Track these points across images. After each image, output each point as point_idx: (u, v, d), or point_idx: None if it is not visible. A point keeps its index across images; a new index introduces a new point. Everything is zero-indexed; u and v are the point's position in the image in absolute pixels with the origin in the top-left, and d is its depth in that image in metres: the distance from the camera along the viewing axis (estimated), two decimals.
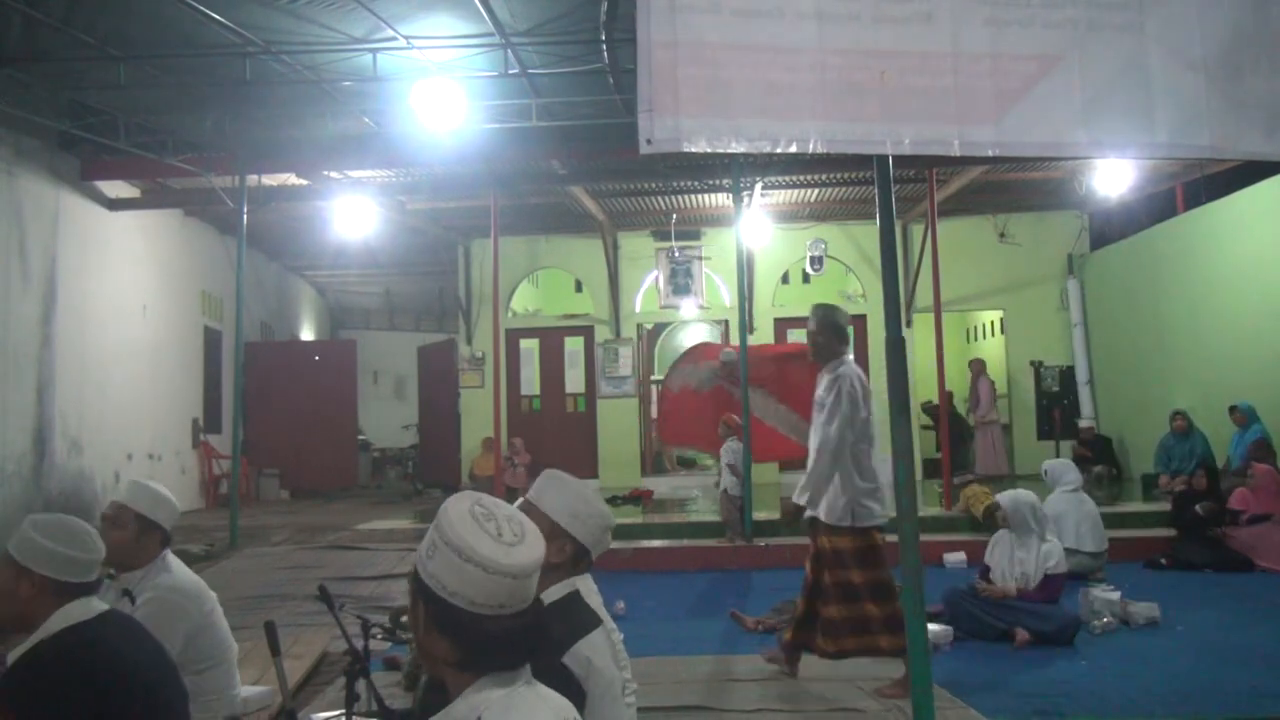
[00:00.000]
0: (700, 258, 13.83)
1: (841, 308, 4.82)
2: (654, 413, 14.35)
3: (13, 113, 8.43)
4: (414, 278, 17.51)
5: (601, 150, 9.88)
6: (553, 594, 2.15)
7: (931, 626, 5.29)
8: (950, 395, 11.75)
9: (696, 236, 13.84)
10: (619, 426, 14.03)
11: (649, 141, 2.58)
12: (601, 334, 14.19)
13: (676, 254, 13.61)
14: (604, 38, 7.28)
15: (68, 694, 2.20)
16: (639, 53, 2.60)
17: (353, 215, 11.35)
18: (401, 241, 14.17)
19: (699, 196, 12.19)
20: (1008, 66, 2.75)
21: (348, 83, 8.25)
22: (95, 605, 2.41)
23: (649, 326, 15.14)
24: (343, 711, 2.85)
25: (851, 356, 4.73)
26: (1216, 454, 9.55)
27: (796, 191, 12.28)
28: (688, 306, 14.03)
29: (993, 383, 13.07)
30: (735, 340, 11.44)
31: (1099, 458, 11.61)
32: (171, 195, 11.73)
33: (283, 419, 14.29)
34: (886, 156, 3.12)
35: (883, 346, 3.25)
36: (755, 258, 13.15)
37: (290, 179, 11.18)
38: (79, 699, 2.19)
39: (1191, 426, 9.82)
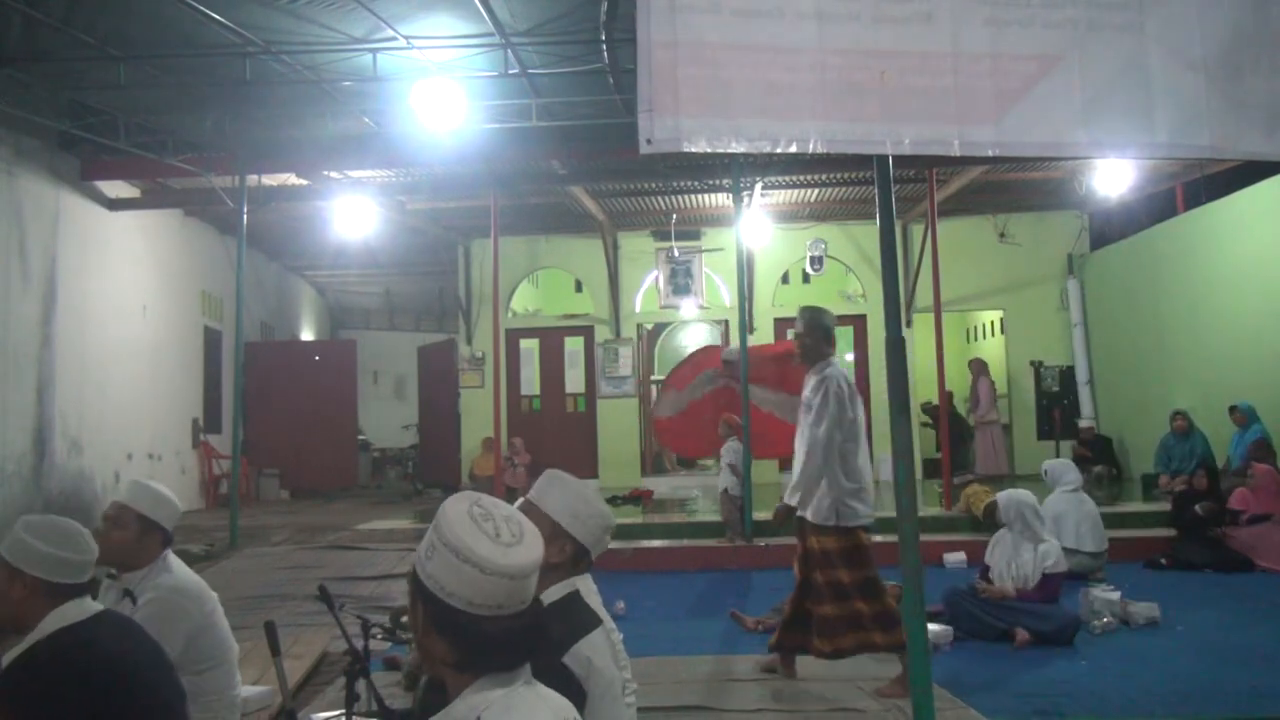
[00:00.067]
0: (701, 252, 13.81)
1: (828, 310, 4.86)
2: (654, 412, 14.35)
3: (13, 113, 8.43)
4: (414, 278, 17.51)
5: (601, 150, 9.88)
6: (553, 594, 2.16)
7: (931, 626, 5.29)
8: (950, 395, 11.76)
9: (696, 236, 13.84)
10: (619, 426, 14.03)
11: (649, 141, 2.58)
12: (601, 334, 14.19)
13: (676, 254, 13.62)
14: (604, 38, 7.28)
15: (64, 694, 2.20)
16: (639, 53, 2.60)
17: (353, 215, 11.35)
18: (401, 241, 14.16)
19: (699, 196, 12.19)
20: (1008, 66, 2.75)
21: (348, 83, 8.25)
22: (90, 606, 2.41)
23: (649, 326, 15.14)
24: (343, 711, 2.85)
25: (837, 358, 4.76)
26: (1216, 454, 9.55)
27: (796, 191, 12.28)
28: (688, 306, 14.03)
29: (993, 383, 13.07)
30: (735, 340, 11.47)
31: (1099, 458, 11.61)
32: (171, 195, 11.73)
33: (283, 419, 14.28)
34: (886, 156, 3.12)
35: (883, 346, 3.25)
36: (755, 258, 13.15)
37: (290, 179, 11.18)
38: (76, 699, 2.19)
39: (1192, 426, 9.82)
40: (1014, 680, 4.91)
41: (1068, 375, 13.31)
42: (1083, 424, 12.40)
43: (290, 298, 17.49)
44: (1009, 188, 12.14)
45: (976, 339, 16.06)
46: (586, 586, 2.26)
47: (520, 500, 2.26)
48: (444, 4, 6.86)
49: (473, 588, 1.41)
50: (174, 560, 3.27)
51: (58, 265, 9.76)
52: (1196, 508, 8.16)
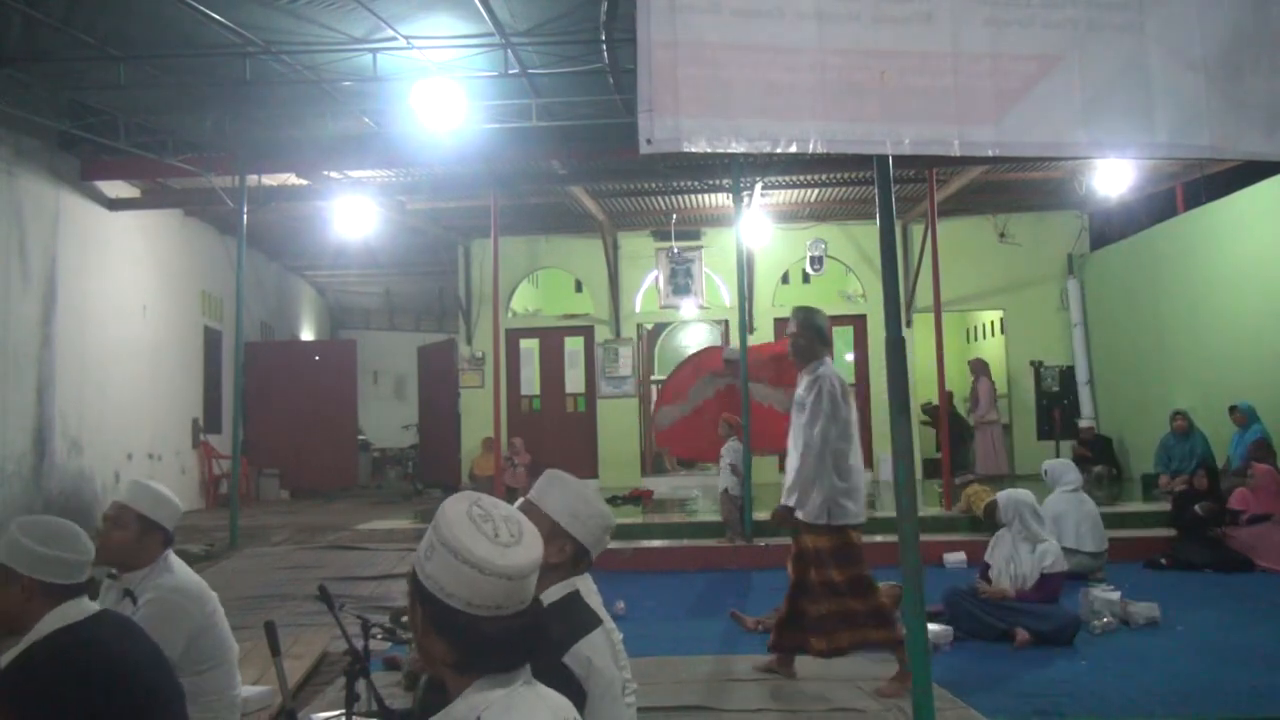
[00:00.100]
0: (701, 249, 13.81)
1: (821, 310, 4.88)
2: (654, 412, 14.35)
3: (13, 113, 8.43)
4: (414, 278, 17.51)
5: (601, 150, 9.88)
6: (553, 594, 2.16)
7: (931, 626, 5.29)
8: (950, 395, 11.76)
9: (696, 236, 13.84)
10: (619, 426, 14.03)
11: (649, 141, 2.58)
12: (601, 334, 14.19)
13: (676, 254, 13.62)
14: (604, 38, 7.28)
15: (63, 694, 2.20)
16: (639, 53, 2.60)
17: (353, 215, 11.35)
18: (401, 241, 14.17)
19: (699, 196, 12.19)
20: (1008, 66, 2.75)
21: (348, 83, 8.25)
22: (88, 606, 2.40)
23: (649, 326, 15.15)
24: (343, 711, 2.85)
25: (831, 358, 4.79)
26: (1216, 454, 9.55)
27: (796, 191, 12.28)
28: (688, 306, 14.03)
29: (993, 383, 13.07)
30: (735, 340, 11.47)
31: (1099, 458, 11.61)
32: (171, 195, 11.73)
33: (283, 419, 14.28)
34: (886, 156, 3.12)
35: (883, 346, 3.25)
36: (755, 258, 13.15)
37: (290, 179, 11.18)
38: (75, 698, 2.19)
39: (1192, 426, 9.82)
40: (1014, 680, 4.91)
41: (1068, 375, 13.31)
42: (1083, 424, 12.40)
43: (290, 298, 17.49)
44: (1009, 188, 12.14)
45: (976, 339, 16.06)
46: (586, 586, 2.26)
47: (520, 500, 2.26)
48: (444, 4, 6.86)
49: (471, 588, 1.41)
50: (175, 560, 3.26)
51: (58, 265, 9.76)
52: (1196, 508, 8.16)
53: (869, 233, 13.22)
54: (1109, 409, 12.74)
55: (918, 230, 13.22)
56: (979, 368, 13.04)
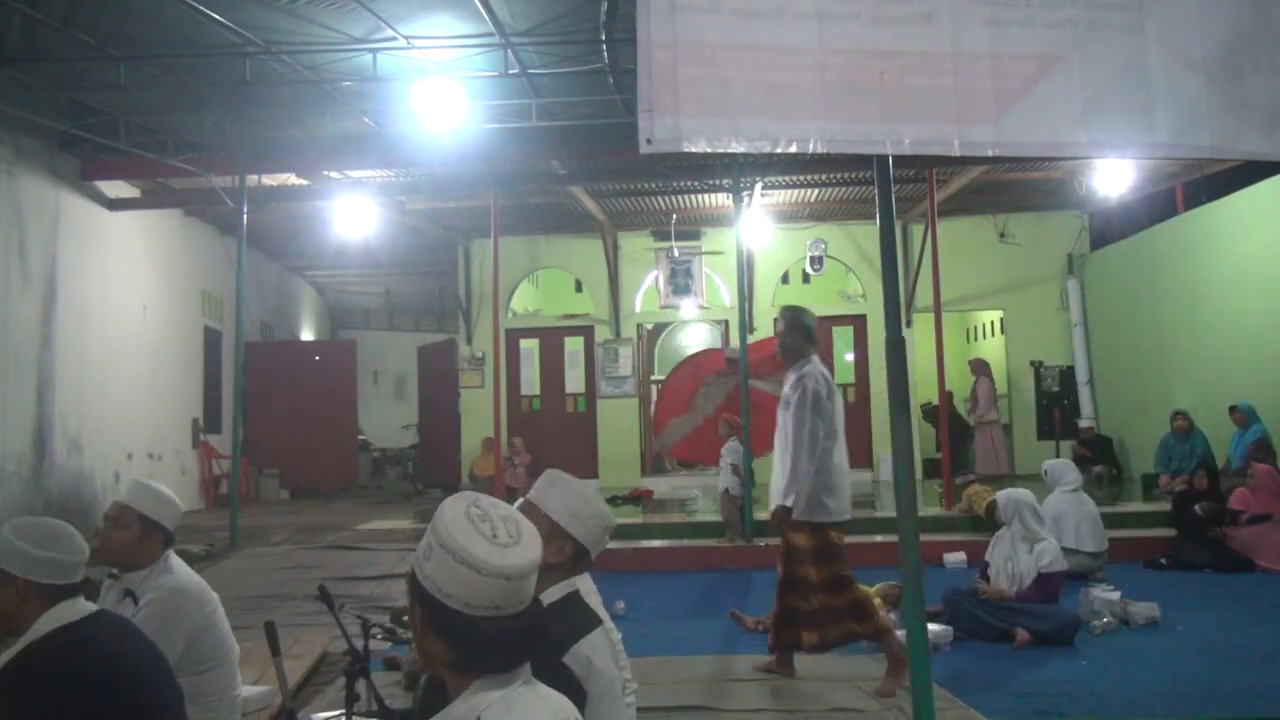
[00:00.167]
0: (700, 254, 13.82)
1: (809, 310, 4.95)
2: (661, 445, 14.30)
3: (13, 113, 8.43)
4: (414, 278, 17.51)
5: (601, 150, 9.88)
6: (553, 594, 2.16)
7: (931, 626, 5.29)
8: (950, 395, 11.76)
9: (696, 236, 13.84)
10: (619, 426, 14.03)
11: (649, 141, 2.58)
12: (601, 334, 14.19)
13: (676, 254, 13.62)
14: (604, 38, 7.28)
15: (61, 694, 2.20)
16: (639, 53, 2.60)
17: (353, 215, 11.35)
18: (401, 241, 14.16)
19: (699, 196, 12.19)
20: (1008, 66, 2.75)
21: (348, 83, 8.25)
22: (85, 606, 2.40)
23: (649, 326, 15.14)
24: (343, 711, 2.85)
25: (817, 356, 4.84)
26: (1216, 454, 9.55)
27: (796, 191, 12.28)
28: (688, 306, 14.03)
29: (993, 383, 13.07)
30: (735, 340, 11.48)
31: (1099, 458, 11.61)
32: (171, 195, 11.73)
33: (283, 419, 14.28)
34: (886, 156, 3.12)
35: (883, 346, 3.25)
36: (755, 258, 13.15)
37: (290, 179, 11.18)
38: (72, 698, 2.19)
39: (1192, 426, 9.82)
40: (1014, 680, 4.91)
41: (1068, 375, 13.31)
42: (1083, 424, 12.40)
43: (290, 298, 17.49)
44: (1009, 188, 12.14)
45: (976, 339, 16.06)
46: (586, 586, 2.26)
47: (520, 500, 2.26)
48: (444, 4, 6.86)
49: (469, 589, 1.41)
50: (175, 561, 3.26)
51: (58, 265, 9.76)
52: (1196, 508, 8.16)
53: (869, 233, 13.22)
54: (1109, 409, 12.74)
55: (918, 230, 13.22)
56: (979, 368, 13.05)
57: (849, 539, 8.43)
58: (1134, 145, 2.90)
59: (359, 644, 3.04)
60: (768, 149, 2.67)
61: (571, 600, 2.19)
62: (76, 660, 2.25)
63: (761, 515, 8.98)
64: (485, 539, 1.44)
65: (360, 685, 2.89)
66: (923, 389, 12.74)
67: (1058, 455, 11.50)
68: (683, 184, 11.52)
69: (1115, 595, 5.99)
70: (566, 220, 13.20)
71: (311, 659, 5.24)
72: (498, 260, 10.75)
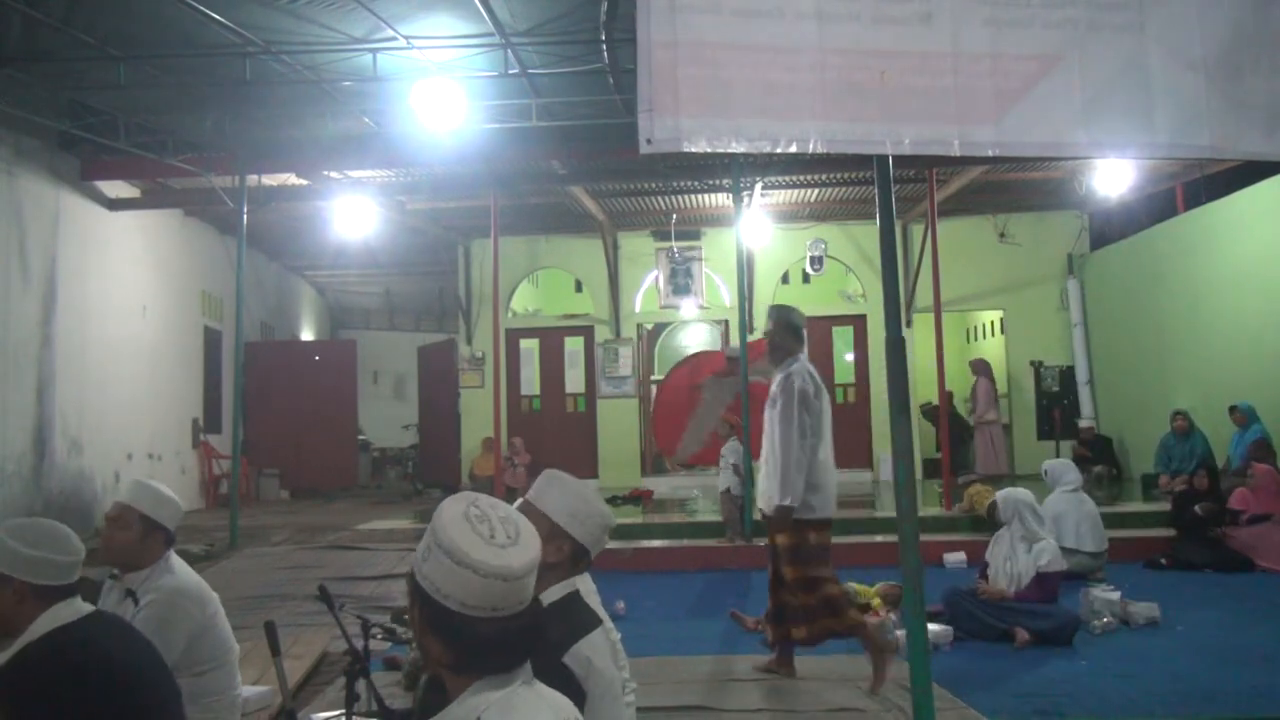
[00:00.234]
0: (700, 258, 13.83)
1: (797, 309, 4.99)
2: (680, 457, 14.28)
3: (13, 113, 8.43)
4: (414, 278, 17.51)
5: (601, 150, 9.88)
6: (553, 594, 2.16)
7: (931, 626, 5.30)
8: (950, 395, 11.76)
9: (696, 236, 13.84)
10: (619, 426, 14.03)
11: (649, 141, 2.58)
12: (601, 334, 14.19)
13: (676, 254, 13.62)
14: (604, 38, 7.28)
15: (60, 693, 2.19)
16: (639, 53, 2.60)
17: (353, 215, 11.35)
18: (401, 241, 14.16)
19: (699, 196, 12.19)
20: (1008, 66, 2.75)
21: (348, 83, 8.24)
22: (82, 606, 2.40)
23: (649, 326, 15.14)
24: (343, 711, 2.85)
25: (805, 355, 4.88)
26: (1216, 454, 9.54)
27: (796, 191, 12.28)
28: (688, 306, 14.03)
29: (993, 383, 13.07)
30: (735, 340, 11.49)
31: (1099, 458, 11.60)
32: (171, 195, 11.73)
33: (283, 419, 14.28)
34: (886, 156, 3.12)
35: (883, 346, 3.25)
36: (755, 258, 13.15)
37: (290, 179, 11.17)
38: (72, 698, 2.18)
39: (1192, 426, 9.81)
40: (1014, 680, 4.91)
41: (1068, 375, 13.31)
42: (1083, 424, 12.39)
43: (290, 298, 17.49)
44: (1009, 188, 12.14)
45: (976, 339, 16.06)
46: (586, 586, 2.26)
47: (519, 500, 2.26)
48: (444, 4, 6.86)
49: (467, 589, 1.41)
50: (176, 561, 3.26)
51: (58, 265, 9.76)
52: (1196, 508, 8.16)
53: (869, 233, 13.22)
54: (1109, 409, 12.73)
55: (918, 230, 13.22)
56: (980, 368, 13.05)
57: (848, 539, 8.55)
58: (1134, 145, 2.90)
59: (359, 644, 3.04)
60: (768, 149, 2.67)
61: (571, 600, 2.19)
62: (75, 660, 2.25)
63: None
64: (483, 540, 1.44)
65: (360, 685, 2.89)
66: (923, 389, 12.73)
67: (1058, 455, 11.49)
68: (683, 184, 11.52)
69: (1115, 595, 5.99)
70: (566, 220, 13.20)
71: (311, 659, 5.24)
72: (498, 260, 10.75)
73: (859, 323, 14.02)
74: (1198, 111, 2.81)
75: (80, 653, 2.27)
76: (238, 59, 7.67)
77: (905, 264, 13.29)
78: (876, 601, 6.22)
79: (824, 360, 14.03)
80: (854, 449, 13.44)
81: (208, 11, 6.77)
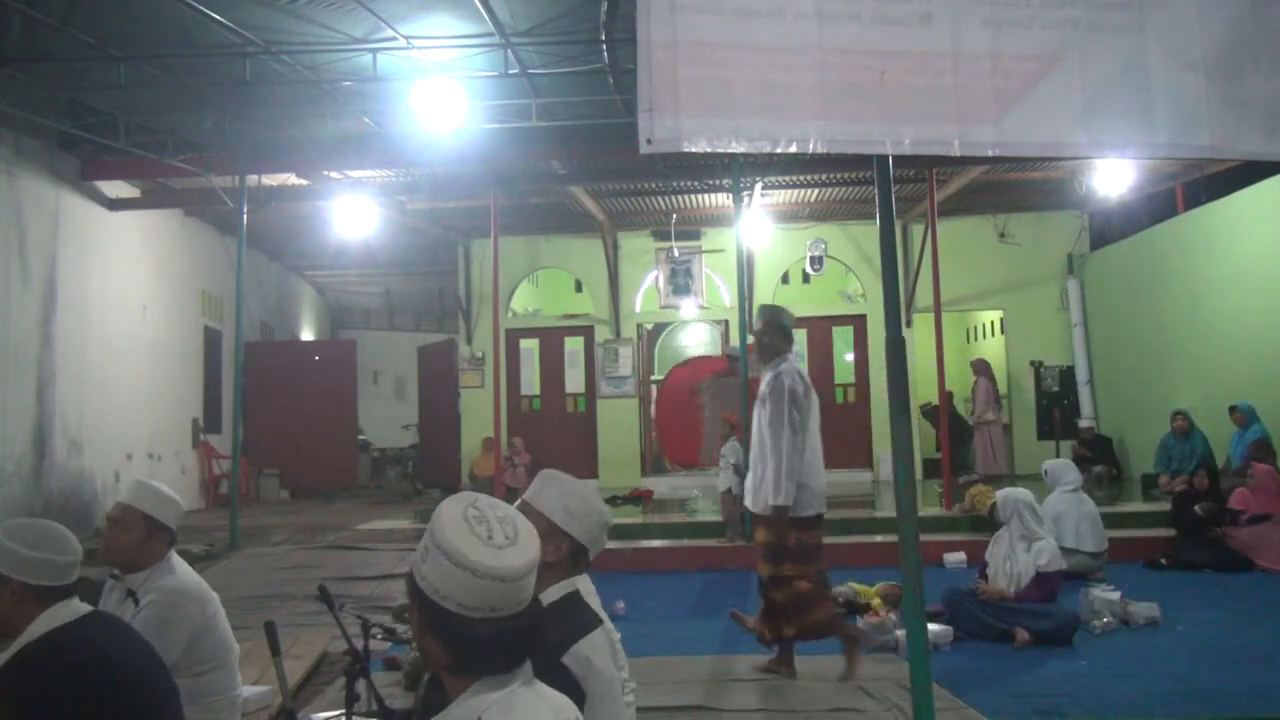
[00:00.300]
0: (700, 249, 13.82)
1: (787, 309, 5.02)
2: (654, 412, 14.36)
3: (13, 113, 8.43)
4: (414, 278, 17.51)
5: (601, 150, 9.88)
6: (552, 594, 2.16)
7: (931, 626, 5.30)
8: (950, 395, 11.76)
9: (696, 236, 13.84)
10: (619, 426, 14.02)
11: (649, 141, 2.58)
12: (601, 334, 14.19)
13: (676, 254, 13.62)
14: (604, 38, 7.28)
15: (60, 693, 2.19)
16: (639, 53, 2.60)
17: (353, 215, 11.35)
18: (401, 241, 14.17)
19: (699, 196, 12.19)
20: (1008, 66, 2.75)
21: (348, 83, 8.25)
22: (79, 607, 2.40)
23: (649, 326, 15.14)
24: (343, 711, 2.85)
25: (794, 355, 4.92)
26: (1216, 454, 9.54)
27: (796, 191, 12.28)
28: (688, 306, 14.03)
29: (992, 383, 13.07)
30: (735, 340, 11.49)
31: (1099, 458, 11.60)
32: (171, 195, 11.73)
33: (283, 419, 14.28)
34: (886, 156, 3.12)
35: (883, 346, 3.25)
36: (755, 258, 13.15)
37: (290, 179, 11.18)
38: (71, 698, 2.18)
39: (1192, 426, 9.81)
40: (1014, 680, 4.91)
41: (1068, 375, 13.31)
42: (1083, 424, 12.39)
43: (290, 298, 17.49)
44: (1009, 188, 12.14)
45: (976, 339, 16.06)
46: (586, 586, 2.26)
47: (518, 501, 2.26)
48: (444, 4, 6.86)
49: (465, 590, 1.41)
50: (177, 561, 3.26)
51: (58, 265, 9.76)
52: (1196, 508, 8.16)
53: (869, 233, 13.22)
54: (1109, 409, 12.73)
55: (918, 230, 13.22)
56: (980, 368, 13.06)
57: (848, 539, 8.55)
58: (1134, 145, 2.90)
59: (359, 644, 3.04)
60: (768, 149, 2.67)
61: (572, 600, 2.19)
62: (75, 660, 2.25)
63: None
64: (481, 541, 1.43)
65: (360, 685, 2.89)
66: (923, 389, 12.73)
67: (1058, 455, 11.49)
68: (683, 184, 11.52)
69: (1115, 595, 5.99)
70: (566, 220, 13.20)
71: (311, 659, 5.24)
72: (498, 260, 10.75)
73: (859, 323, 14.02)
74: (1198, 111, 2.81)
75: (79, 653, 2.27)
76: (238, 59, 7.67)
77: (905, 264, 13.29)
78: (876, 601, 6.22)
79: (824, 360, 14.04)
80: (854, 449, 13.44)
81: (208, 11, 6.77)
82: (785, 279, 14.30)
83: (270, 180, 11.05)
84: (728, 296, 13.93)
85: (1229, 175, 10.26)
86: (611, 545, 8.44)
